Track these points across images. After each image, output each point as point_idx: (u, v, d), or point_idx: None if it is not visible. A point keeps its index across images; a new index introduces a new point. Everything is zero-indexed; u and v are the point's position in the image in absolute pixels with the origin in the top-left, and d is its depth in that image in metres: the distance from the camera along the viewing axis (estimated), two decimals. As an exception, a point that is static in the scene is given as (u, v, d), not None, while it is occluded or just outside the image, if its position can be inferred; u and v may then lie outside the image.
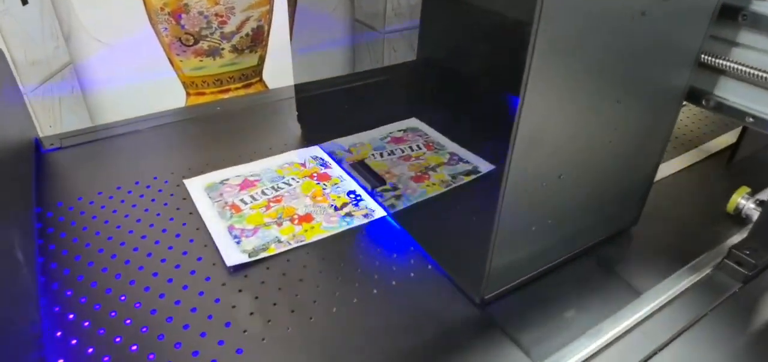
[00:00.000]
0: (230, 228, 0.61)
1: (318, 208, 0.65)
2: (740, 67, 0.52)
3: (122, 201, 0.66)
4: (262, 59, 1.21)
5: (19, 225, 0.53)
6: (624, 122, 0.50)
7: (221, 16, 1.07)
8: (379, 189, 0.69)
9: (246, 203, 0.65)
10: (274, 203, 0.66)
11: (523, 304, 0.53)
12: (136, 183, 0.70)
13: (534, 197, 0.47)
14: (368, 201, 0.66)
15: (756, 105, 0.53)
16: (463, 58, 0.92)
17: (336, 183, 0.70)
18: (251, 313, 0.51)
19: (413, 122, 0.85)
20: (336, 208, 0.65)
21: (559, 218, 0.52)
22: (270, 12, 1.14)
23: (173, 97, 1.16)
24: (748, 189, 0.67)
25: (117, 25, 1.03)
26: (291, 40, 0.87)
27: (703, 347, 0.50)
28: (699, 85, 0.56)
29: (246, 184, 0.69)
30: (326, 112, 0.85)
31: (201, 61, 1.11)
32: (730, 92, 0.55)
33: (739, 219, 0.67)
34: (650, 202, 0.63)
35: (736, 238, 0.64)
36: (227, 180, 0.70)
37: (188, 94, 1.18)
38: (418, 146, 0.79)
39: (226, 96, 1.18)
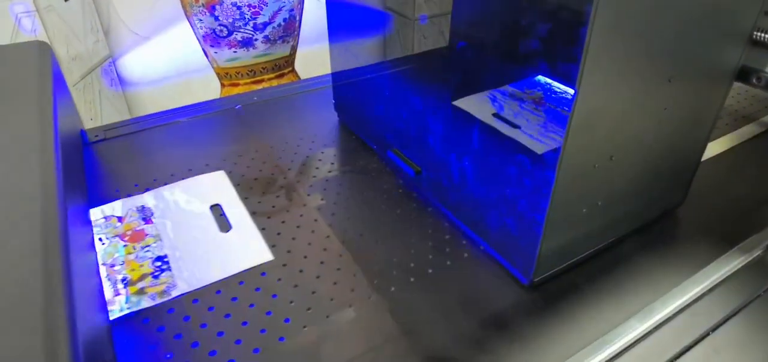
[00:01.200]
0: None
1: (110, 281, 0.52)
2: (794, 44, 0.51)
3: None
4: (294, 49, 1.21)
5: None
6: (674, 101, 0.50)
7: (254, 7, 1.08)
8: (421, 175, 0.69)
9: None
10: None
11: (573, 286, 0.53)
12: (172, 175, 0.71)
13: (586, 179, 0.47)
14: (174, 271, 0.54)
15: (810, 82, 0.52)
16: (497, 42, 0.91)
17: (147, 244, 0.57)
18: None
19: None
20: (128, 283, 0.52)
21: (609, 200, 0.52)
22: (301, 2, 1.15)
23: (209, 88, 1.18)
24: (798, 169, 0.66)
25: (154, 19, 1.04)
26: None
27: (756, 330, 0.49)
28: (751, 63, 0.55)
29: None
30: (364, 99, 0.85)
31: (235, 52, 1.12)
32: (783, 69, 0.54)
33: (788, 199, 0.66)
34: (697, 182, 0.62)
35: (788, 219, 0.63)
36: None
37: (223, 85, 1.19)
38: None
39: (259, 86, 1.19)
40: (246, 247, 0.58)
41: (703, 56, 0.49)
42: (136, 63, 1.07)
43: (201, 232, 0.59)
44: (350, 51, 0.85)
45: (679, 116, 0.52)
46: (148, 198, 0.64)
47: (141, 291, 0.51)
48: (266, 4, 1.09)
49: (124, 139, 0.81)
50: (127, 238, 0.58)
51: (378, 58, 0.90)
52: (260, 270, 0.55)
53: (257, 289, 0.53)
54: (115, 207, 0.62)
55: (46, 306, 0.30)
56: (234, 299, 0.51)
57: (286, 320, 0.49)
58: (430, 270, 0.56)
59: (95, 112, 0.98)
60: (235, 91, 1.20)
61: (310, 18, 1.20)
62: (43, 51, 0.70)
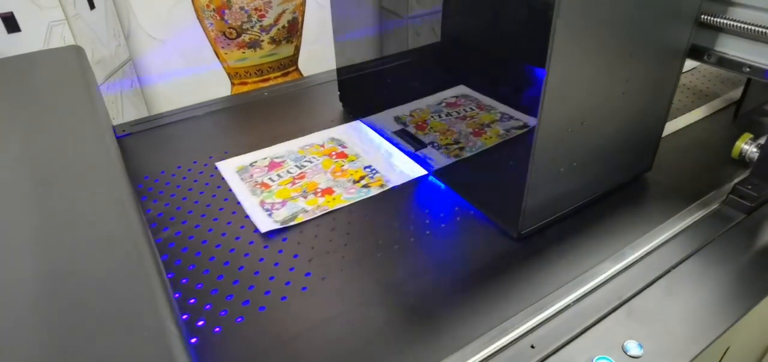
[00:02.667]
0: (262, 203, 0.69)
1: (337, 182, 0.73)
2: (736, 24, 0.60)
3: (184, 177, 0.76)
4: (297, 49, 1.30)
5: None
6: (635, 75, 0.59)
7: (260, 10, 1.17)
8: (420, 152, 0.78)
9: (273, 181, 0.74)
10: (298, 180, 0.74)
11: (555, 237, 0.62)
12: (195, 162, 0.80)
13: (561, 142, 0.56)
14: (384, 173, 0.75)
15: (751, 56, 0.62)
16: (486, 37, 1.00)
17: (352, 160, 0.78)
18: (292, 269, 0.60)
19: (462, 89, 0.92)
20: (354, 181, 0.73)
21: (583, 161, 0.61)
22: (303, 4, 1.24)
23: (220, 86, 1.26)
24: (751, 135, 0.75)
25: (169, 24, 1.13)
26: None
27: (713, 265, 0.58)
28: (700, 42, 0.65)
29: (272, 165, 0.77)
30: (366, 90, 0.94)
31: (243, 52, 1.21)
32: (728, 47, 0.64)
33: (743, 163, 0.75)
34: (663, 152, 0.71)
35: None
36: (255, 162, 0.78)
37: (233, 84, 1.28)
38: (471, 108, 0.85)
39: (266, 84, 1.28)
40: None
41: (658, 35, 0.58)
42: (153, 64, 1.16)
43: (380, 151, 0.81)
44: (352, 48, 0.94)
45: (641, 88, 0.61)
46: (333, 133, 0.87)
47: (366, 186, 0.73)
48: (271, 7, 1.18)
49: (148, 132, 0.89)
50: (334, 156, 0.80)
51: (376, 53, 0.99)
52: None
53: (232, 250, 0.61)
54: (314, 138, 0.85)
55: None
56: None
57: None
58: (427, 232, 0.64)
59: (118, 110, 1.06)
60: (245, 88, 1.28)
61: (310, 19, 1.29)
62: (80, 54, 0.78)
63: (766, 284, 0.55)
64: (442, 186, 0.72)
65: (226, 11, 1.13)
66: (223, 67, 1.25)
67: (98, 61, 1.02)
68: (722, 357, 0.58)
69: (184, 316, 0.53)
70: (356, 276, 0.58)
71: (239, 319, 0.53)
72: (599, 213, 0.66)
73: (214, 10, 1.12)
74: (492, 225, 0.65)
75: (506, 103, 0.71)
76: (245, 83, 1.28)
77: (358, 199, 0.70)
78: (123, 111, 1.09)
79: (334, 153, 0.81)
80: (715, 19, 0.61)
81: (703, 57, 0.66)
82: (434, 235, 0.64)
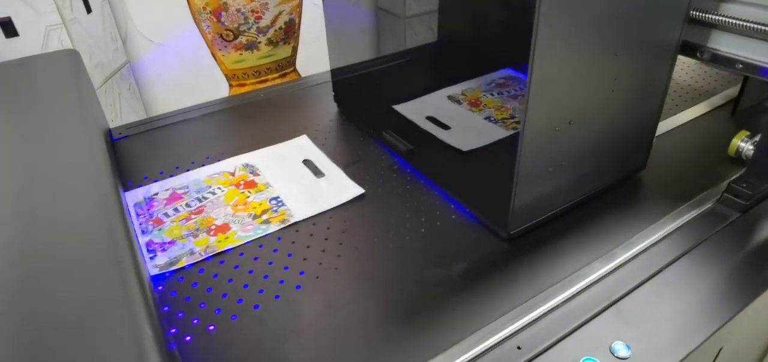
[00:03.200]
0: (148, 244, 0.63)
1: (236, 218, 0.68)
2: (728, 20, 0.59)
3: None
4: (294, 50, 1.30)
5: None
6: (623, 73, 0.58)
7: (256, 12, 1.17)
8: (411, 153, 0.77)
9: (168, 216, 0.68)
10: (195, 215, 0.68)
11: (546, 237, 0.62)
12: (192, 163, 0.80)
13: (548, 141, 0.56)
14: (289, 205, 0.70)
15: (743, 52, 0.61)
16: (482, 35, 1.00)
17: (261, 190, 0.73)
18: (287, 268, 0.60)
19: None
20: (254, 216, 0.68)
21: (572, 160, 0.60)
22: (300, 6, 1.24)
23: (218, 88, 1.27)
24: (748, 133, 0.74)
25: (166, 26, 1.13)
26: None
27: (705, 265, 0.57)
28: (693, 39, 0.64)
29: (173, 198, 0.72)
30: (362, 90, 0.94)
31: (240, 54, 1.21)
32: (721, 43, 0.63)
33: (740, 161, 0.74)
34: (658, 150, 0.70)
35: (737, 177, 0.71)
36: (157, 194, 0.73)
37: (230, 86, 1.28)
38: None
39: (264, 85, 1.28)
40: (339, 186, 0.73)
41: (645, 33, 0.58)
42: (150, 67, 1.16)
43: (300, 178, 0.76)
44: (347, 47, 0.94)
45: (630, 86, 0.60)
46: (248, 158, 0.81)
47: (266, 221, 0.67)
48: (268, 9, 1.18)
49: (145, 135, 0.90)
50: (242, 186, 0.74)
51: (372, 53, 0.99)
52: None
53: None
54: (226, 165, 0.79)
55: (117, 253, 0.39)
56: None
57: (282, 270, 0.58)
58: (422, 230, 0.64)
59: (115, 113, 1.07)
60: (242, 90, 1.29)
61: (308, 21, 1.29)
62: (75, 58, 0.79)
63: (759, 283, 0.55)
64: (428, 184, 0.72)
65: (223, 13, 1.13)
66: (221, 69, 1.25)
67: (96, 64, 1.02)
68: (716, 358, 0.57)
69: (179, 314, 0.53)
70: (343, 277, 0.58)
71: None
72: (591, 212, 0.66)
73: (210, 12, 1.13)
74: (482, 226, 0.64)
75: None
76: (243, 85, 1.28)
77: (254, 237, 0.64)
78: (121, 114, 1.10)
79: (242, 182, 0.75)
80: (707, 16, 0.61)
81: (696, 54, 0.65)
82: (423, 236, 0.63)
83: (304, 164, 0.78)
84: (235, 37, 1.18)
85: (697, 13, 0.61)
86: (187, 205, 0.70)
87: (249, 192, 0.73)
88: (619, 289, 0.54)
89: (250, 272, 0.59)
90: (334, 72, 0.94)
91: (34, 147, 0.54)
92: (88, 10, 0.99)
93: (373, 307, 0.54)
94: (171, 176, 0.77)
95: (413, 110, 0.89)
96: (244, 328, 0.52)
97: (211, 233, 0.65)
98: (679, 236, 0.61)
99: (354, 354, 0.49)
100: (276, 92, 1.03)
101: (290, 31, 1.25)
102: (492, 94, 0.79)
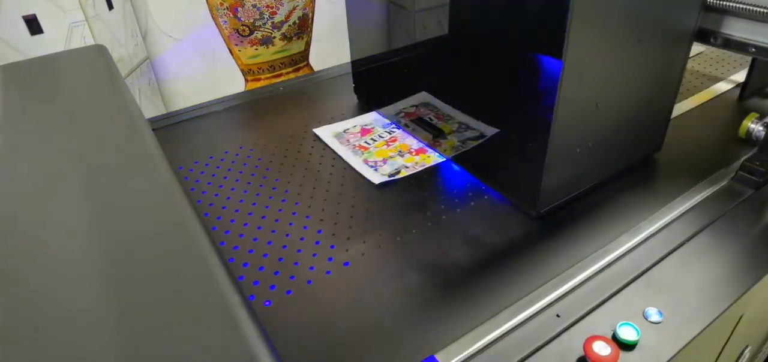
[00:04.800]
0: (365, 162, 0.77)
1: (423, 145, 0.81)
2: (741, 6, 0.63)
3: (217, 167, 0.79)
4: (307, 45, 1.33)
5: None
6: (644, 58, 0.61)
7: (271, 7, 1.19)
8: (438, 139, 0.80)
9: (369, 144, 0.82)
10: (391, 142, 0.82)
11: (572, 215, 0.65)
12: (226, 152, 0.82)
13: (577, 123, 0.59)
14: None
15: (756, 36, 0.64)
16: (494, 28, 1.03)
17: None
18: (333, 247, 0.63)
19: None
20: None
21: (597, 142, 0.63)
22: (313, 1, 1.26)
23: (234, 83, 1.29)
24: (757, 115, 0.78)
25: (185, 22, 1.15)
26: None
27: (724, 238, 0.61)
28: (707, 25, 0.67)
29: (364, 132, 0.86)
30: (381, 80, 0.97)
31: (256, 49, 1.23)
32: (734, 28, 0.66)
33: (750, 142, 0.78)
34: (672, 133, 0.74)
35: (749, 156, 0.74)
36: (347, 129, 0.86)
37: (246, 80, 1.30)
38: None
39: (278, 80, 1.30)
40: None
41: (665, 20, 0.61)
42: (170, 63, 1.18)
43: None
44: (367, 41, 0.97)
45: (650, 71, 0.63)
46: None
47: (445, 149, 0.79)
48: (282, 4, 1.20)
49: (169, 128, 0.92)
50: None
51: (390, 45, 1.02)
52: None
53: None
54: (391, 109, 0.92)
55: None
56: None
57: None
58: (458, 209, 0.67)
59: (136, 109, 1.09)
60: (258, 84, 1.31)
61: (320, 15, 1.31)
62: (104, 53, 0.81)
63: (775, 254, 0.58)
64: (458, 169, 0.75)
65: (239, 9, 1.16)
66: (237, 64, 1.27)
67: (117, 60, 1.04)
68: (736, 325, 0.61)
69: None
70: (390, 254, 0.60)
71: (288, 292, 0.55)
72: (613, 191, 0.69)
73: (227, 8, 1.15)
74: (511, 206, 0.67)
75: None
76: (258, 79, 1.30)
77: (441, 160, 0.77)
78: (142, 108, 1.12)
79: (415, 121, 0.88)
80: (722, 2, 0.64)
81: (709, 39, 0.68)
82: (456, 217, 0.66)
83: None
84: (251, 33, 1.20)
85: (714, 1, 0.64)
86: (380, 136, 0.84)
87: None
88: (647, 261, 0.57)
89: (299, 251, 0.61)
90: (355, 63, 0.96)
91: (87, 136, 0.56)
92: (110, 6, 1.01)
93: (414, 282, 0.56)
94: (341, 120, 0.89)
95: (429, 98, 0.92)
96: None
97: (414, 154, 0.79)
98: (699, 211, 0.64)
99: (404, 323, 0.52)
100: (294, 85, 1.05)
101: (303, 26, 1.27)
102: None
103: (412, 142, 0.81)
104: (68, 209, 0.44)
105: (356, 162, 0.77)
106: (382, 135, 0.84)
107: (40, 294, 0.35)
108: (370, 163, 0.76)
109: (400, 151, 0.79)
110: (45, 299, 0.35)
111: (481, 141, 0.80)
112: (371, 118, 0.90)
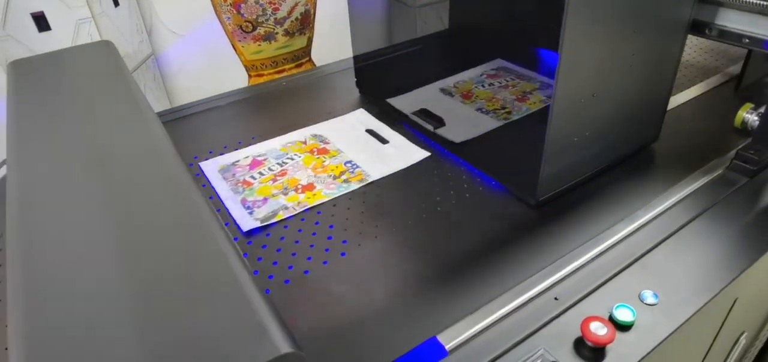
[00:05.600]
0: (243, 202, 0.70)
1: (318, 178, 0.74)
2: (735, -2, 0.64)
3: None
4: (310, 40, 1.34)
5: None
6: (640, 49, 0.63)
7: (274, 4, 1.21)
8: (439, 130, 0.82)
9: (255, 178, 0.75)
10: (279, 177, 0.75)
11: (570, 204, 0.66)
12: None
13: (575, 113, 0.60)
14: (364, 168, 0.76)
15: (749, 28, 0.66)
16: (493, 22, 1.04)
17: (334, 156, 0.80)
18: (274, 263, 0.64)
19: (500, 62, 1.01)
20: (334, 177, 0.75)
21: (594, 131, 0.65)
22: (314, -3, 1.28)
23: (237, 79, 1.30)
24: (752, 105, 0.79)
25: (189, 19, 1.17)
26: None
27: (719, 224, 0.62)
28: (701, 17, 0.69)
29: (254, 164, 0.78)
30: (383, 75, 0.98)
31: (259, 45, 1.25)
32: (728, 20, 0.68)
33: (745, 132, 0.79)
34: (669, 123, 0.75)
35: (744, 146, 0.76)
36: (237, 161, 0.79)
37: (250, 76, 1.32)
38: (511, 78, 0.94)
39: (281, 75, 1.32)
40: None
41: (660, 11, 0.62)
42: (174, 58, 1.20)
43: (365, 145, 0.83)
44: (368, 36, 0.99)
45: (646, 62, 0.65)
46: (314, 129, 0.88)
47: (346, 181, 0.74)
48: (285, 0, 1.22)
49: (175, 122, 0.94)
50: (316, 153, 0.81)
51: (392, 40, 1.04)
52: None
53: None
54: (296, 136, 0.86)
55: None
56: (301, 230, 0.65)
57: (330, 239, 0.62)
58: (454, 201, 0.69)
59: (142, 104, 1.10)
60: (261, 80, 1.32)
61: (322, 11, 1.33)
62: (112, 48, 0.82)
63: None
64: (456, 160, 0.77)
65: (242, 5, 1.17)
66: (241, 60, 1.29)
67: (123, 56, 1.06)
68: (731, 309, 0.62)
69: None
70: (389, 246, 0.62)
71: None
72: (610, 180, 0.70)
73: (230, 4, 1.17)
74: (511, 195, 0.69)
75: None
76: (261, 75, 1.32)
77: (339, 194, 0.71)
78: (146, 104, 1.14)
79: (315, 149, 0.82)
80: (716, -6, 0.65)
81: (704, 31, 0.70)
82: (455, 208, 0.68)
83: (368, 133, 0.85)
84: (254, 28, 1.22)
85: (708, -8, 0.65)
86: (270, 169, 0.77)
87: (324, 157, 0.79)
88: (643, 246, 0.58)
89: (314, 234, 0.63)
90: (357, 58, 0.98)
91: (101, 129, 0.58)
92: (116, 3, 1.03)
93: (415, 271, 0.58)
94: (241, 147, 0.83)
95: (433, 91, 0.94)
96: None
97: (300, 191, 0.72)
98: (694, 199, 0.66)
99: (405, 310, 0.53)
100: (297, 80, 1.07)
101: (306, 22, 1.29)
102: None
103: (303, 177, 0.75)
104: (83, 198, 0.46)
105: (233, 202, 0.71)
106: (272, 167, 0.77)
107: (59, 276, 0.37)
108: (247, 204, 0.70)
109: (285, 188, 0.72)
110: (65, 281, 0.36)
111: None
112: (266, 147, 0.83)
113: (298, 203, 0.69)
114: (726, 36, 0.68)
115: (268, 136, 0.85)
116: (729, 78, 0.97)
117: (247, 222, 0.66)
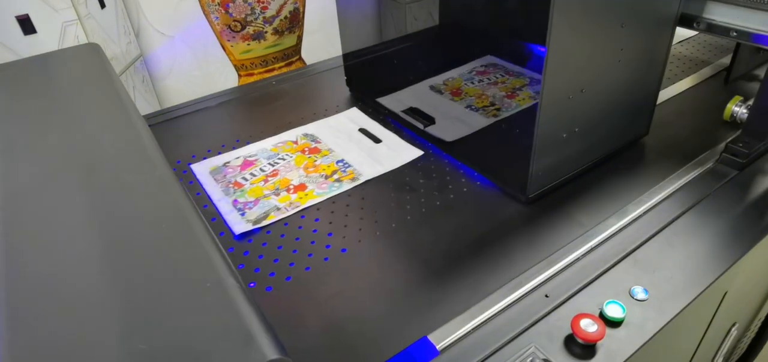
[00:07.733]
0: (234, 202, 0.70)
1: (310, 178, 0.74)
2: (723, -9, 0.64)
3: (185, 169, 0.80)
4: (299, 39, 1.33)
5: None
6: (629, 44, 0.63)
7: (263, 2, 1.20)
8: (429, 128, 0.81)
9: (247, 179, 0.74)
10: (271, 177, 0.74)
11: (561, 199, 0.66)
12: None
13: (563, 109, 0.60)
14: (356, 167, 0.76)
15: (737, 21, 0.66)
16: (482, 18, 1.04)
17: (325, 155, 0.79)
18: (257, 269, 0.64)
19: (490, 59, 1.00)
20: (326, 177, 0.74)
21: (584, 127, 0.65)
22: (303, -6, 1.27)
23: (228, 79, 1.30)
24: (741, 98, 0.79)
25: (177, 19, 1.16)
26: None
27: (709, 217, 0.62)
28: (690, 10, 0.69)
29: (246, 164, 0.78)
30: (373, 73, 0.98)
31: (248, 44, 1.24)
32: (716, 13, 0.68)
33: (734, 125, 0.80)
34: (659, 117, 0.75)
35: (733, 138, 0.76)
36: (228, 162, 0.78)
37: (240, 76, 1.31)
38: (501, 74, 0.93)
39: (271, 74, 1.31)
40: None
41: (648, 5, 0.62)
42: (163, 60, 1.19)
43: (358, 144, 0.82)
44: (357, 33, 0.98)
45: (635, 56, 0.65)
46: (306, 129, 0.87)
47: (337, 180, 0.73)
48: (273, -1, 1.21)
49: (165, 124, 0.93)
50: (307, 152, 0.80)
51: (381, 38, 1.03)
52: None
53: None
54: (287, 136, 0.85)
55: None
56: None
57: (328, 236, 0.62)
58: (451, 196, 0.69)
59: (130, 106, 1.10)
60: (251, 79, 1.32)
61: (311, 9, 1.32)
62: (98, 51, 0.82)
63: (758, 232, 0.60)
64: (447, 158, 0.76)
65: (231, 4, 1.16)
66: (230, 60, 1.28)
67: (110, 58, 1.05)
68: (721, 302, 0.63)
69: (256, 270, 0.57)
70: (379, 246, 0.62)
71: (273, 287, 0.57)
72: (601, 175, 0.70)
73: (218, 3, 1.16)
74: (501, 192, 0.69)
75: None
76: (251, 74, 1.31)
77: (330, 195, 0.71)
78: (136, 105, 1.13)
79: (307, 149, 0.81)
80: (704, -12, 0.65)
81: (692, 24, 0.70)
82: (447, 206, 0.68)
83: (361, 132, 0.85)
84: (243, 28, 1.21)
85: (695, -14, 0.66)
86: (261, 170, 0.76)
87: (315, 157, 0.79)
88: (633, 241, 0.58)
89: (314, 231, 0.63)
90: (346, 56, 0.97)
91: (85, 133, 0.57)
92: (102, 5, 1.02)
93: (406, 271, 0.58)
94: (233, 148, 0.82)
95: (422, 89, 0.94)
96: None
97: (291, 191, 0.71)
98: (685, 192, 0.66)
99: (396, 311, 0.53)
100: (287, 80, 1.06)
101: (295, 20, 1.28)
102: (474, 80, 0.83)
103: (294, 177, 0.74)
104: (68, 202, 0.46)
105: (225, 204, 0.70)
106: (264, 168, 0.76)
107: (44, 280, 0.37)
108: (239, 205, 0.69)
109: (277, 188, 0.72)
110: (49, 285, 0.36)
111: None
112: (258, 147, 0.82)
113: (290, 203, 0.69)
114: (714, 29, 0.68)
115: (259, 137, 0.85)
116: (718, 70, 0.97)
117: (239, 226, 0.66)
